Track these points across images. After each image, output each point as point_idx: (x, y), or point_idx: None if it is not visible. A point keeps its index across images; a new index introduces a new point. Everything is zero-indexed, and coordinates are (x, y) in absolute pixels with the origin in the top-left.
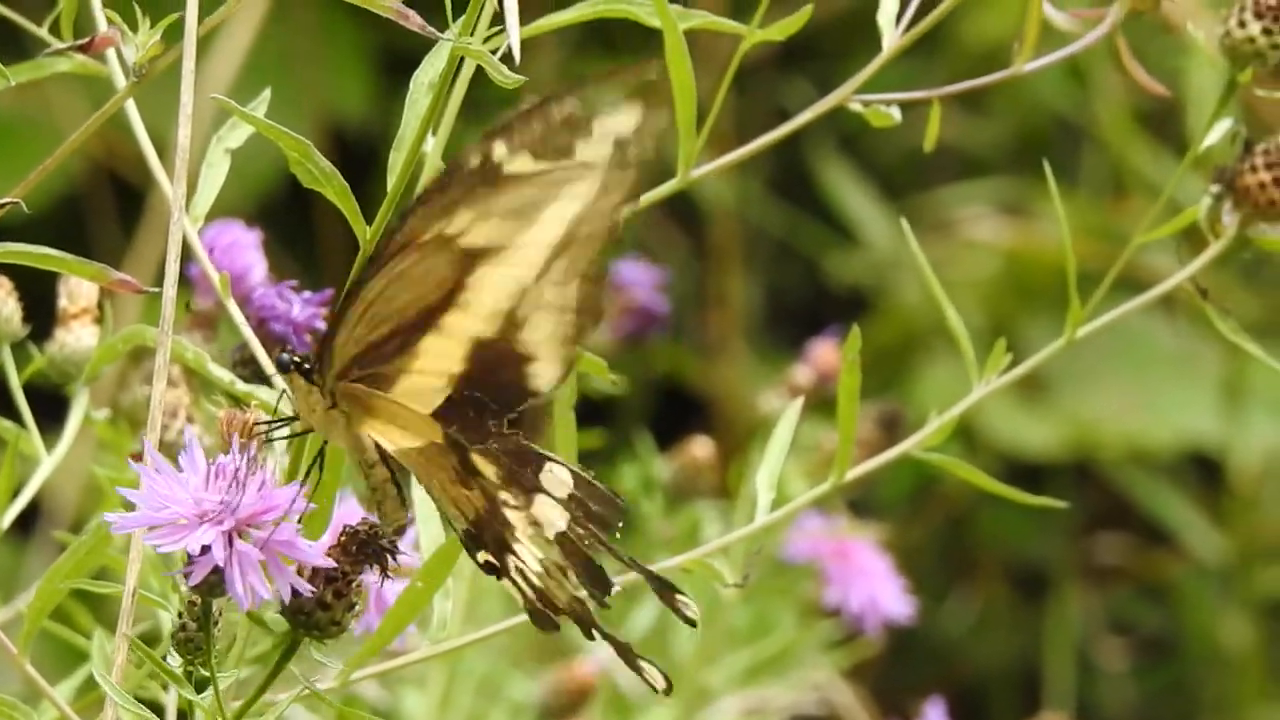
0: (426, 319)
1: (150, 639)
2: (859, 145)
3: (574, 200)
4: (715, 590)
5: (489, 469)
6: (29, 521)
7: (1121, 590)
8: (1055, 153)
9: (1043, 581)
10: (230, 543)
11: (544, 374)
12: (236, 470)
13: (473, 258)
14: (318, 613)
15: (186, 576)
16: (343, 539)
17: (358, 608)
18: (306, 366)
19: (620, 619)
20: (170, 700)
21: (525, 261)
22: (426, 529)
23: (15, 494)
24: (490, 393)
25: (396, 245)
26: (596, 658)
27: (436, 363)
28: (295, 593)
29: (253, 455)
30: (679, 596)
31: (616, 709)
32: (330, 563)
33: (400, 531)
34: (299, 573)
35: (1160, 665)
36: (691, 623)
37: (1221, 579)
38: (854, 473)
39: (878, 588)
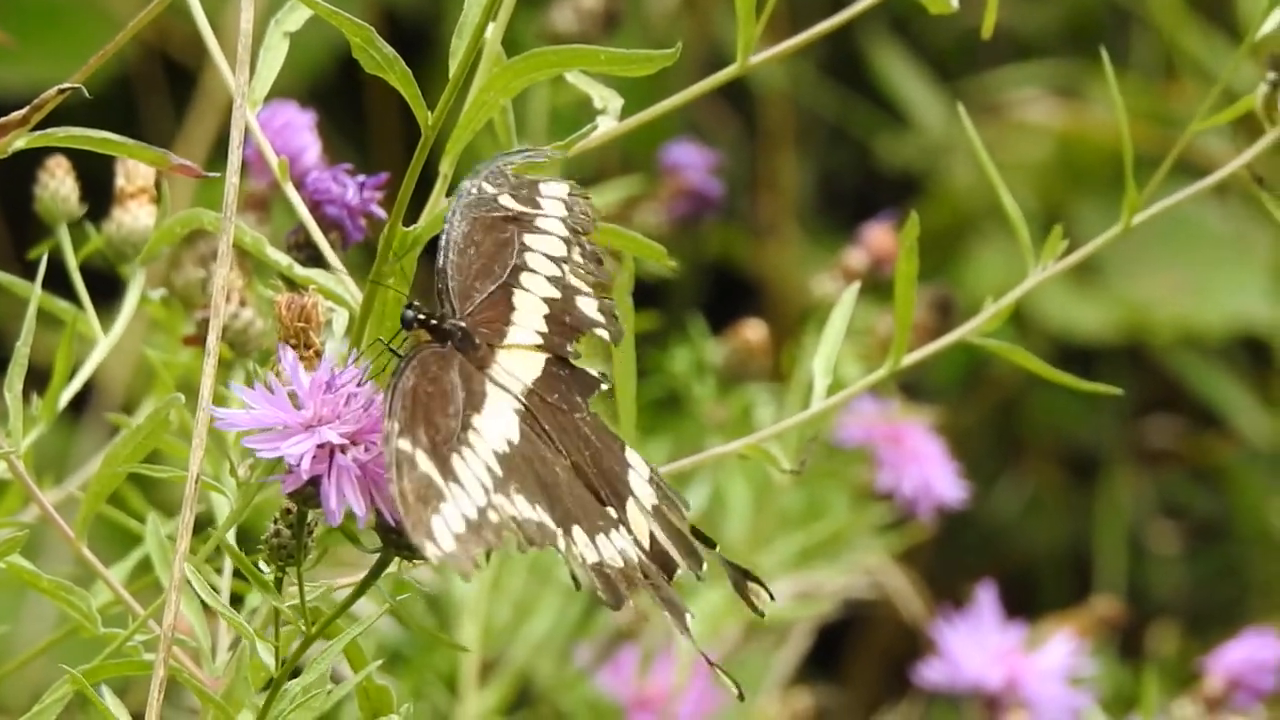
0: (513, 274)
1: (201, 524)
2: (911, 27)
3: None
4: (767, 473)
5: None
6: (80, 402)
7: (1172, 473)
8: (1106, 35)
9: (1094, 465)
10: (331, 456)
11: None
12: (342, 383)
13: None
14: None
15: (284, 483)
16: None
17: None
18: (433, 322)
19: None
20: (224, 584)
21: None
22: None
23: (71, 375)
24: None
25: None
26: None
27: (529, 314)
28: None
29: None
30: (751, 584)
31: None
32: None
33: None
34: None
35: (1211, 548)
36: (760, 614)
37: (1272, 462)
38: (910, 358)
39: (931, 471)
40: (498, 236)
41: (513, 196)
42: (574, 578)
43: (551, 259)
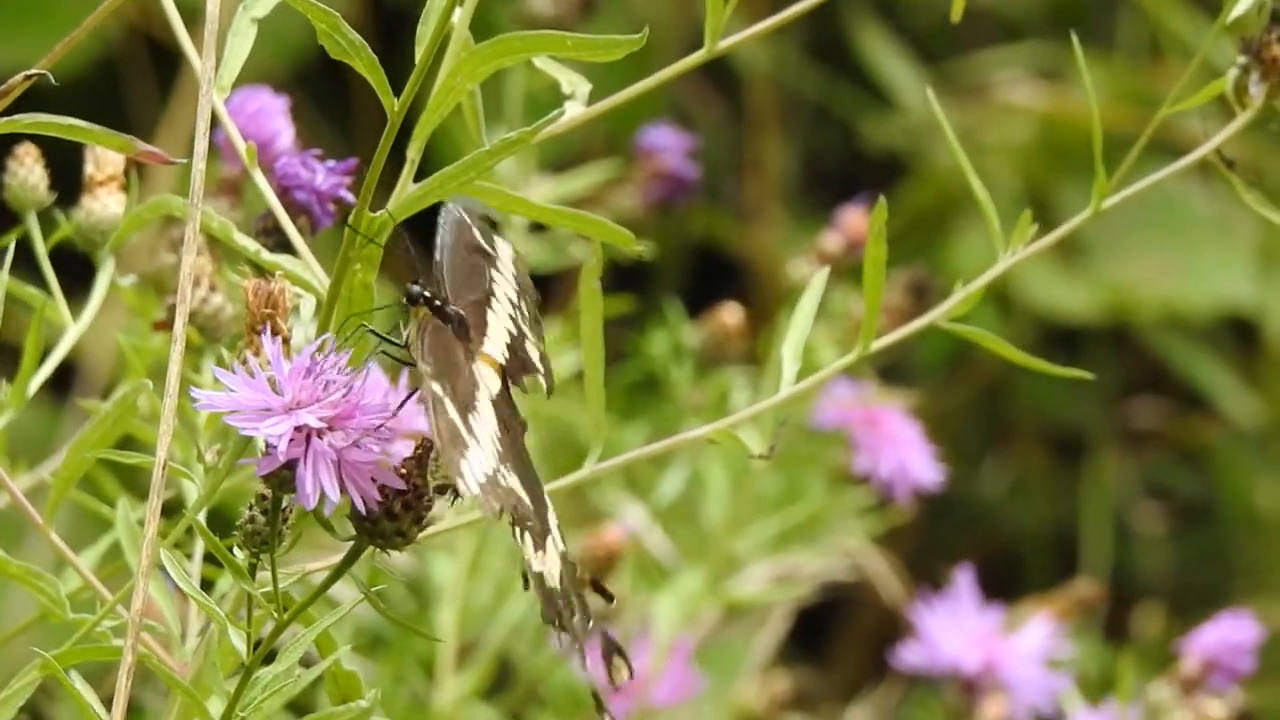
0: (488, 295)
1: (170, 508)
2: (895, 9)
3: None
4: (745, 457)
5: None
6: (64, 387)
7: (1157, 455)
8: (1092, 16)
9: (1079, 446)
10: (308, 440)
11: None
12: (323, 368)
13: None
14: (383, 522)
15: (259, 465)
16: (419, 452)
17: (425, 520)
18: (437, 302)
19: (649, 485)
20: (194, 569)
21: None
22: None
23: (43, 360)
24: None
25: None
26: (626, 524)
27: (497, 334)
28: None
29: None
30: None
31: (645, 574)
32: (400, 484)
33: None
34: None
35: (1196, 530)
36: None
37: (1257, 443)
38: (881, 342)
39: (907, 455)
40: (475, 260)
41: (480, 234)
42: (524, 576)
43: (510, 301)
